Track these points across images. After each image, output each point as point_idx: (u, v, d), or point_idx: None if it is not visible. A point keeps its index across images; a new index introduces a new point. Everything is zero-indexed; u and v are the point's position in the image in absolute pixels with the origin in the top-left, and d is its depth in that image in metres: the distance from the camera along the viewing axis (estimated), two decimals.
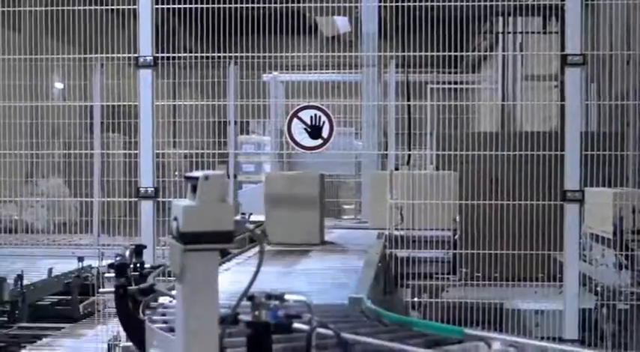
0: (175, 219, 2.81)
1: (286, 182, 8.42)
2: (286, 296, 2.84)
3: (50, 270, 10.45)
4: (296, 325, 2.83)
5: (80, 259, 10.66)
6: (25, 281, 9.63)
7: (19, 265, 10.03)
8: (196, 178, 2.79)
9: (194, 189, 2.80)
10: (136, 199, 7.61)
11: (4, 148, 10.81)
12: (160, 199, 7.37)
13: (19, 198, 12.63)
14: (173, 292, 3.73)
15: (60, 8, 9.77)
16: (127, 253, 3.96)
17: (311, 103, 8.12)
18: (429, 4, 8.96)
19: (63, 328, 8.92)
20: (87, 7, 9.98)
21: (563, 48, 7.84)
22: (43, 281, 10.23)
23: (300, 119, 7.87)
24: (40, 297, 10.23)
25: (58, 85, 15.93)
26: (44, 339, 8.25)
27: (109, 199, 11.70)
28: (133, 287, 3.76)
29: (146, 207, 7.35)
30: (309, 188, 8.24)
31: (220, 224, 2.80)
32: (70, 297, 10.36)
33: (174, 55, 8.80)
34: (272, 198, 8.29)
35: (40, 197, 13.24)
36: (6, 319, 9.27)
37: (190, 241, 2.77)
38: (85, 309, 9.67)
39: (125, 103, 10.78)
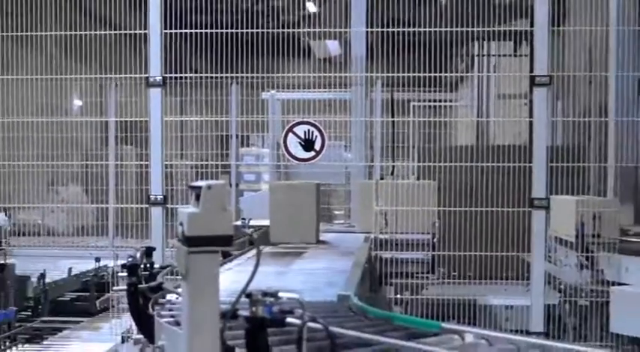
0: (181, 224, 2.83)
1: (287, 190, 8.57)
2: (280, 294, 2.85)
3: (70, 270, 10.45)
4: (289, 320, 2.84)
5: (97, 259, 10.66)
6: (47, 280, 9.63)
7: (42, 265, 10.02)
8: (200, 188, 2.81)
9: (198, 197, 2.82)
10: (147, 205, 7.63)
11: (28, 159, 10.80)
12: (169, 206, 7.39)
13: (42, 205, 12.61)
14: (179, 290, 3.75)
15: (79, 33, 9.79)
16: (138, 254, 3.97)
17: (304, 119, 8.13)
18: (411, 29, 9.01)
19: (81, 322, 8.91)
20: (103, 32, 9.98)
21: (532, 70, 7.85)
22: (63, 279, 10.23)
23: (295, 134, 7.88)
24: (60, 294, 10.22)
25: (77, 102, 15.92)
26: (64, 332, 8.26)
27: (122, 205, 11.70)
28: (144, 285, 3.77)
29: (156, 213, 7.36)
30: (306, 195, 8.38)
31: (221, 229, 2.82)
32: (87, 294, 10.35)
33: (181, 75, 8.79)
34: (275, 203, 8.42)
35: (61, 203, 13.22)
36: (30, 313, 9.26)
37: (194, 244, 2.79)
38: (101, 305, 9.64)
39: (137, 119, 10.77)
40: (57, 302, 9.95)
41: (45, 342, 7.68)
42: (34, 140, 10.67)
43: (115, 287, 5.87)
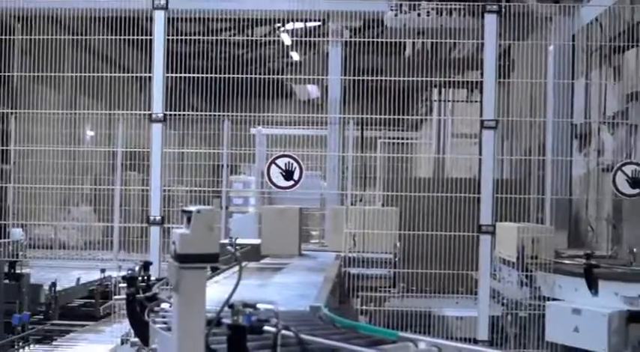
0: (174, 242, 2.83)
1: (276, 212, 9.44)
2: (258, 305, 2.85)
3: (78, 279, 10.39)
4: (266, 327, 2.84)
5: (102, 271, 10.60)
6: (58, 288, 9.56)
7: (54, 274, 9.97)
8: (191, 212, 2.81)
9: (189, 220, 2.82)
10: (147, 225, 7.59)
11: (45, 182, 10.74)
12: (166, 225, 7.35)
13: (56, 223, 12.54)
14: (171, 300, 3.73)
15: (92, 74, 9.79)
16: (137, 268, 3.95)
17: (285, 153, 8.14)
18: (380, 78, 9.06)
19: (87, 325, 8.84)
20: (113, 74, 9.99)
21: (481, 114, 7.91)
22: (72, 287, 10.16)
23: (277, 165, 7.89)
24: (69, 300, 10.14)
25: (89, 133, 15.87)
26: (71, 334, 8.18)
27: (126, 224, 11.65)
28: (141, 295, 3.75)
29: (154, 232, 7.32)
30: (292, 217, 9.21)
31: (208, 248, 2.81)
32: (93, 301, 10.28)
33: (180, 112, 8.78)
34: (266, 223, 9.24)
35: (72, 221, 13.15)
36: (42, 317, 9.18)
37: (184, 261, 2.78)
38: (104, 311, 9.59)
39: (141, 149, 10.78)
40: (66, 308, 9.87)
41: (54, 343, 7.61)
42: (50, 165, 10.62)
43: (116, 296, 5.82)
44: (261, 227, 9.49)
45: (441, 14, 9.73)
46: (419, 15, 9.78)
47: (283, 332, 2.80)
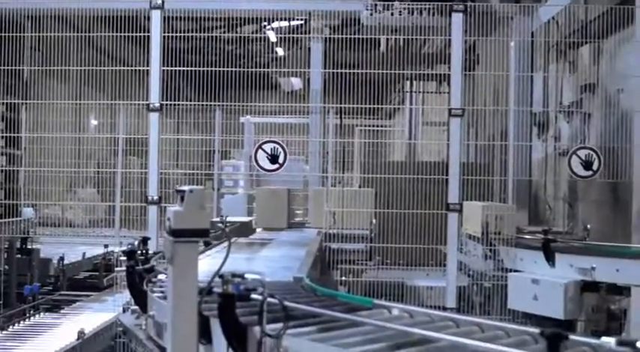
0: (168, 219, 2.81)
1: (269, 193, 9.80)
2: (246, 275, 2.83)
3: (84, 254, 10.35)
4: (253, 296, 2.82)
5: (105, 246, 10.56)
6: (65, 262, 9.53)
7: (62, 250, 9.94)
8: (184, 191, 2.79)
9: (182, 198, 2.80)
10: (146, 204, 7.56)
11: (53, 166, 10.66)
12: (163, 204, 7.31)
13: (63, 203, 12.48)
14: (167, 271, 3.70)
15: (95, 68, 9.72)
16: (137, 243, 3.93)
17: (271, 139, 8.10)
18: (357, 71, 9.02)
19: (91, 295, 8.81)
20: (114, 68, 9.91)
21: (449, 104, 7.90)
22: (78, 261, 10.13)
23: (264, 150, 7.86)
24: (76, 273, 10.11)
25: (93, 122, 15.76)
26: (78, 303, 8.16)
27: (127, 204, 11.60)
28: (140, 267, 3.73)
29: (152, 210, 7.29)
30: (281, 197, 9.60)
31: (200, 224, 2.81)
32: (97, 273, 10.25)
33: (175, 102, 8.73)
34: (260, 201, 9.80)
35: (78, 201, 13.09)
36: (51, 288, 9.15)
37: (178, 236, 2.77)
38: (107, 282, 9.57)
39: (140, 136, 10.71)
40: (73, 280, 9.85)
41: (62, 311, 7.58)
42: (57, 151, 10.54)
43: (117, 268, 5.82)
44: (255, 205, 10.07)
45: (413, 13, 9.68)
46: (392, 14, 9.73)
47: (269, 299, 2.78)
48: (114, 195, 12.18)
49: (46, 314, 7.40)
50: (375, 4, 9.68)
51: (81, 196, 13.43)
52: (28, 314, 7.39)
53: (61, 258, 9.41)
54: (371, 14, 9.71)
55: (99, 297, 8.57)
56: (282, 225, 9.33)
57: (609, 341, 2.01)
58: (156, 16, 7.48)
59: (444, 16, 8.74)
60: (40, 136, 10.20)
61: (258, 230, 9.17)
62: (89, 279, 10.25)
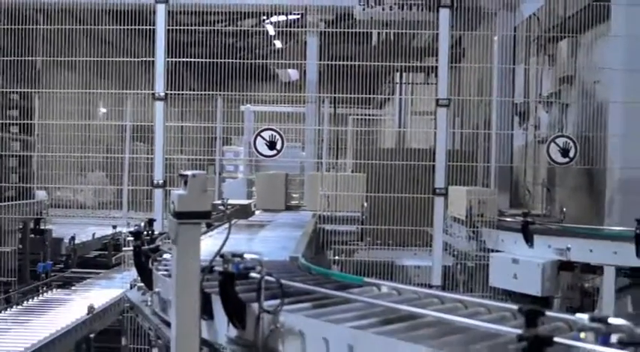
0: (173, 202, 2.80)
1: (268, 177, 9.90)
2: (245, 255, 2.83)
3: (94, 234, 10.35)
4: (251, 274, 2.82)
5: (114, 227, 10.57)
6: (76, 241, 9.53)
7: (73, 230, 9.94)
8: (187, 176, 2.78)
9: (185, 183, 2.79)
10: (152, 187, 7.54)
11: (64, 151, 10.63)
12: (168, 188, 7.29)
13: (74, 186, 12.45)
14: (172, 251, 3.70)
15: (104, 59, 9.68)
16: (143, 224, 3.92)
17: (269, 127, 8.08)
18: (350, 63, 8.98)
19: (101, 273, 8.81)
20: (121, 59, 9.86)
21: (436, 94, 7.88)
22: (88, 241, 10.13)
23: (262, 137, 7.84)
24: (86, 252, 10.11)
25: (102, 110, 15.68)
26: (88, 280, 8.16)
27: (134, 187, 11.58)
28: (145, 247, 3.72)
29: (157, 193, 7.28)
30: (279, 180, 9.74)
31: (201, 206, 2.79)
32: (106, 252, 10.25)
33: (179, 92, 8.69)
34: (260, 185, 9.85)
35: (88, 185, 13.06)
36: (62, 266, 9.15)
37: (181, 217, 2.76)
38: (115, 261, 9.57)
39: (146, 124, 10.69)
40: (83, 258, 9.84)
41: (73, 288, 7.58)
42: (68, 137, 10.51)
43: (125, 248, 5.83)
44: (255, 188, 10.13)
45: (403, 8, 9.65)
46: (383, 9, 9.69)
47: (266, 277, 2.79)
48: (121, 179, 12.15)
49: (58, 290, 7.40)
50: (367, 0, 9.64)
51: (90, 180, 13.39)
52: (41, 291, 7.40)
53: (72, 238, 9.41)
54: (363, 9, 9.68)
55: (107, 275, 8.58)
56: (280, 207, 9.43)
57: (583, 317, 2.01)
58: (161, 10, 7.45)
59: (432, 11, 8.72)
60: (52, 123, 10.17)
61: (257, 212, 9.17)
62: (98, 258, 10.26)
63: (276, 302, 2.70)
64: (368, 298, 2.96)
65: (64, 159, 10.90)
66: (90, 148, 12.00)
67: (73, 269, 9.12)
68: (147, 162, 11.15)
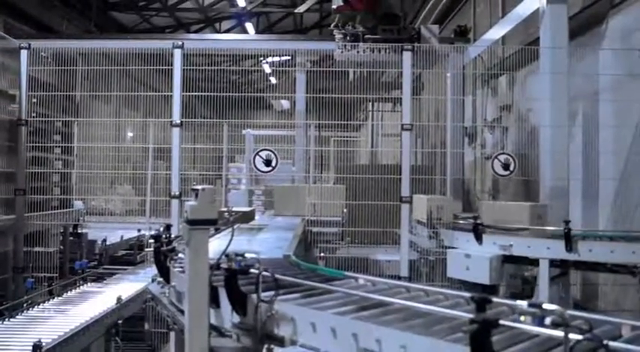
0: (186, 211, 2.77)
1: (283, 189, 9.44)
2: (246, 254, 2.81)
3: (122, 236, 10.23)
4: (251, 270, 2.79)
5: (138, 230, 10.45)
6: (107, 243, 9.41)
7: (104, 233, 9.81)
8: (198, 189, 2.76)
9: (196, 195, 2.76)
10: (170, 198, 7.47)
11: (98, 169, 10.54)
12: (183, 199, 7.23)
13: (106, 197, 12.34)
14: (185, 251, 3.65)
15: (132, 93, 9.65)
16: (162, 229, 3.87)
17: (266, 147, 8.04)
18: (331, 95, 8.98)
19: (127, 269, 8.72)
20: (146, 93, 9.83)
21: (402, 120, 7.90)
22: (117, 242, 10.01)
23: (260, 156, 7.80)
24: (115, 251, 10.00)
25: (129, 134, 15.60)
26: (117, 275, 8.06)
27: (155, 198, 11.49)
28: (164, 248, 3.67)
29: (174, 203, 7.22)
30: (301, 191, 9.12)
31: (209, 215, 2.77)
32: (132, 251, 10.14)
33: (192, 119, 8.66)
34: (278, 194, 9.26)
35: (118, 196, 12.96)
36: (96, 263, 9.05)
37: (193, 224, 2.73)
38: (140, 259, 9.47)
39: (165, 146, 10.66)
40: (113, 257, 9.73)
41: (105, 282, 7.48)
42: (101, 157, 10.43)
43: (147, 249, 5.75)
44: (275, 197, 9.51)
45: (373, 51, 9.67)
46: (358, 52, 9.71)
47: (264, 273, 2.76)
48: (145, 191, 12.04)
49: (92, 284, 7.29)
50: (345, 45, 9.67)
51: (119, 191, 13.27)
52: (78, 284, 7.29)
53: (104, 240, 9.30)
54: (342, 52, 9.69)
55: (133, 271, 8.46)
56: (302, 212, 8.64)
57: (522, 303, 2.00)
58: (177, 54, 7.42)
59: (397, 53, 8.73)
60: (88, 146, 10.11)
61: (256, 217, 9.09)
62: (125, 256, 10.13)
63: (272, 293, 2.67)
64: (347, 289, 2.94)
65: (98, 175, 10.81)
66: (119, 166, 11.91)
67: (105, 266, 9.01)
68: (166, 176, 11.08)
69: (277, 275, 2.78)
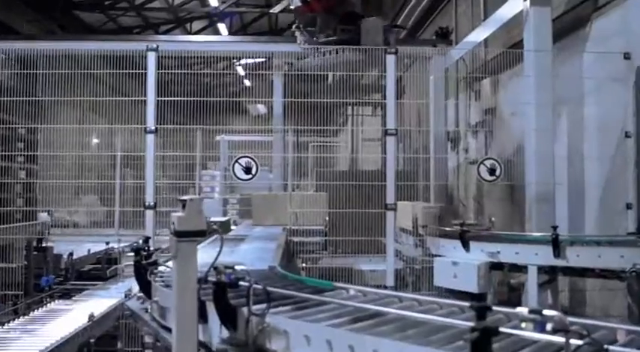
0: (173, 223, 2.79)
1: (262, 198, 9.53)
2: (236, 267, 2.84)
3: (89, 250, 10.11)
4: (241, 283, 2.83)
5: (107, 243, 10.34)
6: (74, 257, 9.31)
7: (70, 247, 9.68)
8: (185, 200, 2.78)
9: (184, 206, 2.78)
10: (141, 209, 7.40)
11: (62, 178, 10.43)
12: (158, 209, 7.19)
13: (71, 208, 12.20)
14: (168, 263, 3.66)
15: (98, 98, 9.59)
16: (141, 241, 3.87)
17: (246, 154, 8.04)
18: (310, 100, 9.03)
19: (97, 284, 8.62)
20: (112, 98, 9.75)
21: (384, 124, 7.96)
22: (84, 256, 9.88)
23: (240, 163, 7.79)
24: (82, 266, 9.88)
25: (95, 141, 15.45)
26: (86, 291, 7.96)
27: (123, 208, 11.41)
28: (145, 261, 3.67)
29: (149, 214, 7.17)
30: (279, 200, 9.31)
31: (198, 226, 2.79)
32: (100, 266, 10.03)
33: (165, 126, 8.63)
34: (257, 203, 9.27)
35: (82, 207, 12.82)
36: (62, 279, 8.93)
37: (181, 236, 2.75)
38: (109, 273, 9.38)
39: (133, 153, 10.62)
40: (80, 272, 9.60)
41: (73, 298, 7.38)
42: (67, 165, 10.33)
43: (126, 263, 5.71)
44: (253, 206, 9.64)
45: (337, 52, 9.67)
46: (324, 55, 9.75)
47: (254, 285, 2.80)
48: (112, 201, 11.94)
49: (60, 301, 7.21)
50: (305, 48, 9.73)
51: (85, 202, 13.12)
52: (45, 302, 7.20)
53: (71, 254, 9.18)
54: (305, 58, 9.75)
55: (103, 286, 8.36)
56: (285, 222, 8.83)
57: (523, 310, 2.07)
58: (151, 57, 7.40)
59: (364, 53, 8.78)
60: (53, 154, 10.01)
61: (232, 227, 9.10)
62: (93, 271, 10.01)
63: (263, 306, 2.70)
64: (340, 300, 2.99)
65: (62, 184, 10.69)
66: (84, 174, 11.78)
67: (72, 282, 8.90)
68: (134, 186, 11.02)
69: (268, 288, 2.81)
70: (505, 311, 2.62)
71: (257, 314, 2.69)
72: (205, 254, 3.10)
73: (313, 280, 3.67)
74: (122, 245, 10.05)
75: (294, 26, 9.87)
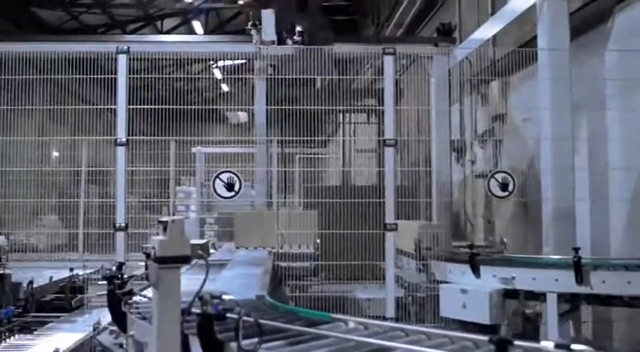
0: (153, 247, 2.79)
1: (246, 216, 9.06)
2: (223, 297, 2.84)
3: (51, 277, 9.99)
4: (228, 315, 2.82)
5: (71, 269, 10.23)
6: (34, 285, 9.19)
7: (29, 274, 9.53)
8: (166, 221, 2.78)
9: (165, 228, 2.79)
10: (109, 231, 7.38)
11: (19, 196, 10.37)
12: (130, 231, 7.17)
13: (29, 230, 12.10)
14: (145, 292, 3.66)
15: (60, 107, 9.56)
16: (114, 268, 3.87)
17: (228, 169, 8.04)
18: (295, 107, 9.07)
19: (61, 316, 8.53)
20: (75, 107, 9.74)
21: (379, 134, 7.99)
22: (46, 284, 9.75)
23: (221, 179, 7.78)
24: (44, 295, 9.77)
25: (55, 154, 15.38)
26: (49, 324, 7.88)
27: (88, 230, 11.34)
28: (119, 291, 3.66)
29: (120, 236, 7.14)
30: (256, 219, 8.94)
31: (181, 251, 2.80)
32: (63, 295, 9.93)
33: (136, 137, 8.62)
34: (239, 222, 8.90)
35: (42, 228, 12.72)
36: (21, 310, 8.82)
37: (162, 262, 2.76)
38: (75, 304, 9.29)
39: (99, 168, 10.60)
40: (41, 302, 9.49)
41: (36, 332, 7.31)
42: (23, 181, 10.27)
43: (98, 293, 5.66)
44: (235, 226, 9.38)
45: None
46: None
47: (244, 318, 2.79)
48: (73, 221, 11.87)
49: (21, 335, 7.13)
50: (260, 47, 9.76)
51: (44, 223, 13.02)
52: (4, 337, 7.12)
53: (30, 282, 9.06)
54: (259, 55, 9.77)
55: (68, 318, 8.26)
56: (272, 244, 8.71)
57: (548, 344, 2.10)
58: (122, 60, 7.40)
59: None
60: (7, 170, 9.95)
61: (211, 251, 9.04)
62: (56, 301, 9.90)
63: (254, 341, 2.70)
64: (339, 334, 3.00)
65: (18, 203, 10.62)
66: (43, 192, 11.71)
67: (33, 314, 8.80)
68: (99, 204, 10.97)
69: (260, 320, 2.81)
70: (526, 345, 2.61)
71: (247, 349, 2.68)
72: (188, 281, 3.09)
73: (308, 311, 3.67)
74: (88, 271, 9.97)
75: (249, 24, 9.90)
